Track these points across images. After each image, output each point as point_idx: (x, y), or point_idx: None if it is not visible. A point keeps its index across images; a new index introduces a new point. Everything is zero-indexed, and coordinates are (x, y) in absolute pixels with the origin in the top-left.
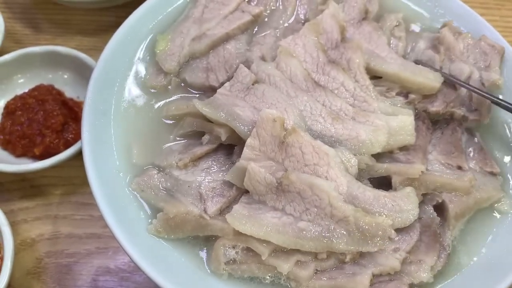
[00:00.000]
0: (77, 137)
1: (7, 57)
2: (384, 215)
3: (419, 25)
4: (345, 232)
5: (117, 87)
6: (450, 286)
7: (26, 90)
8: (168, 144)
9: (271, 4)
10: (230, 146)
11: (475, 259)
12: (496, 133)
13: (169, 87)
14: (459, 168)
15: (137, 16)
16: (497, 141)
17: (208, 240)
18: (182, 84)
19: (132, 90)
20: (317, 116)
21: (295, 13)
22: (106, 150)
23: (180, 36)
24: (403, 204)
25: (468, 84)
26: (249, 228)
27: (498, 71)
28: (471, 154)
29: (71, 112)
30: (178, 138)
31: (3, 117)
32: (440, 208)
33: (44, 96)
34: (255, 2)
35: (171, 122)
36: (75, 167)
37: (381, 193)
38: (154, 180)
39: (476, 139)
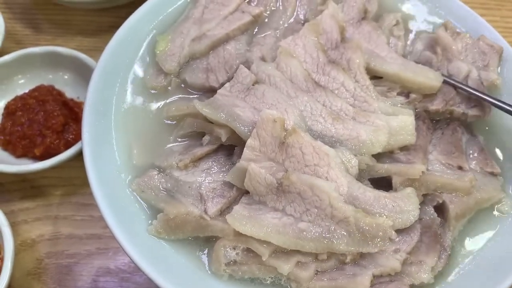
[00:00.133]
0: (78, 137)
1: (7, 57)
2: (384, 216)
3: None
4: (345, 233)
5: (118, 88)
6: (450, 287)
7: (27, 91)
8: (169, 145)
9: (271, 4)
10: (231, 147)
11: (475, 259)
12: (496, 133)
13: (169, 87)
14: (460, 168)
15: (137, 16)
16: (497, 140)
17: (208, 241)
18: (182, 85)
19: (132, 90)
20: (317, 117)
21: (295, 13)
22: (106, 151)
23: (180, 37)
24: (404, 205)
25: (467, 86)
26: (249, 229)
27: (497, 71)
28: (472, 155)
29: (72, 113)
30: (178, 139)
31: (3, 117)
32: (440, 209)
33: (44, 96)
34: (255, 3)
35: (171, 123)
36: (75, 167)
37: (382, 193)
38: (154, 181)
39: (476, 139)
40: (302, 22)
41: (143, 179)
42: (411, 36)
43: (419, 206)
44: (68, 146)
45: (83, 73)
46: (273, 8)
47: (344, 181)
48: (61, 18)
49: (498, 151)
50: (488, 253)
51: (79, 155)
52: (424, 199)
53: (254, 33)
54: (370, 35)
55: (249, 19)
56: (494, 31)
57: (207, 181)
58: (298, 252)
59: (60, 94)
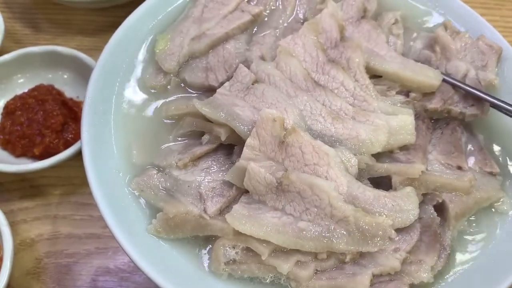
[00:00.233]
0: (77, 137)
1: (7, 57)
2: (384, 215)
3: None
4: (345, 232)
5: (117, 87)
6: (450, 286)
7: (26, 90)
8: (168, 144)
9: (271, 3)
10: (230, 146)
11: (475, 259)
12: (495, 132)
13: (169, 87)
14: (459, 168)
15: (137, 16)
16: (496, 140)
17: (208, 240)
18: (182, 85)
19: (131, 90)
20: (317, 116)
21: (294, 12)
22: (105, 150)
23: (179, 36)
24: (403, 204)
25: (465, 84)
26: (249, 228)
27: (495, 71)
28: (471, 154)
29: (71, 112)
30: (177, 138)
31: (2, 117)
32: (440, 208)
33: (44, 96)
34: (254, 2)
35: (170, 122)
36: (74, 167)
37: (381, 193)
38: (153, 180)
39: (475, 139)
40: (302, 21)
41: (143, 178)
42: (410, 35)
43: (419, 205)
44: (67, 145)
45: (83, 73)
46: (272, 7)
47: (344, 181)
48: (60, 18)
49: (497, 151)
50: (488, 253)
51: (79, 154)
52: (424, 199)
53: (254, 32)
54: (369, 34)
55: (249, 18)
56: (494, 31)
57: (206, 180)
58: (297, 251)
59: (59, 93)
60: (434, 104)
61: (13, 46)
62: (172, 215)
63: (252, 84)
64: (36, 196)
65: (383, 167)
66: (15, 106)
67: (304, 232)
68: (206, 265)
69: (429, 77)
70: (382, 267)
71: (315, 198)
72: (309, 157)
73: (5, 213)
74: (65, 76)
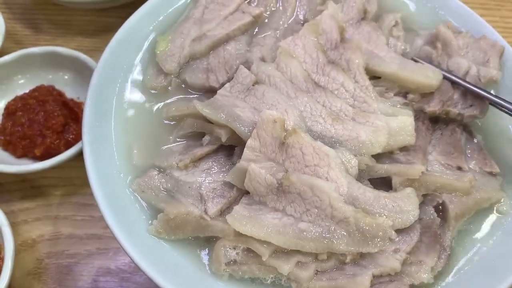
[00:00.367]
0: (78, 137)
1: (7, 57)
2: (384, 216)
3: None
4: (345, 233)
5: (118, 88)
6: (450, 287)
7: (27, 91)
8: (169, 145)
9: (271, 5)
10: (231, 147)
11: (475, 259)
12: (496, 133)
13: (169, 88)
14: (459, 168)
15: (137, 17)
16: (496, 141)
17: (208, 241)
18: (183, 86)
19: (132, 91)
20: (317, 117)
21: (294, 14)
22: (106, 151)
23: (180, 37)
24: (404, 205)
25: (465, 81)
26: (249, 229)
27: (497, 67)
28: (471, 155)
29: (72, 113)
30: (178, 139)
31: (3, 118)
32: (440, 209)
33: (44, 96)
34: (255, 3)
35: (171, 123)
36: (75, 167)
37: (382, 193)
38: (154, 181)
39: (475, 140)
40: (302, 22)
41: (143, 179)
42: (411, 34)
43: (419, 206)
44: (68, 146)
45: (83, 74)
46: (273, 9)
47: (344, 182)
48: (61, 18)
49: (497, 151)
50: (488, 253)
51: (79, 155)
52: (424, 199)
53: (254, 33)
54: (369, 35)
55: (249, 20)
56: (494, 31)
57: (207, 181)
58: (298, 252)
59: (60, 94)
60: (433, 107)
61: (13, 47)
62: (173, 216)
63: (253, 85)
64: (37, 196)
65: (383, 168)
66: (16, 107)
67: (304, 233)
68: (207, 265)
69: (428, 77)
70: (382, 267)
71: (316, 199)
72: (310, 158)
73: (6, 213)
74: (66, 77)
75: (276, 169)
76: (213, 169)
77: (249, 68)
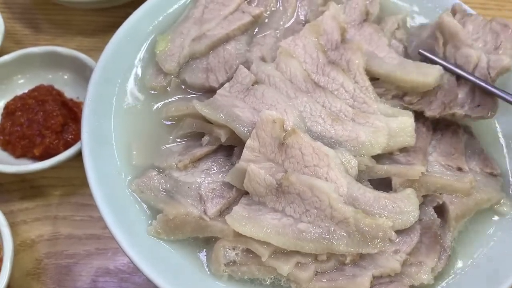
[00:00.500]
0: (77, 137)
1: (7, 57)
2: (384, 217)
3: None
4: (345, 234)
5: (117, 88)
6: (450, 287)
7: (26, 91)
8: (168, 145)
9: (272, 5)
10: (230, 147)
11: (475, 260)
12: (496, 133)
13: (169, 88)
14: (459, 169)
15: (137, 16)
16: (497, 141)
17: (208, 242)
18: (183, 86)
19: (132, 91)
20: (316, 117)
21: (295, 14)
22: (105, 151)
23: (180, 37)
24: (404, 206)
25: (473, 75)
26: (249, 230)
27: (510, 53)
28: (471, 155)
29: (71, 113)
30: (177, 139)
31: (3, 117)
32: (440, 210)
33: (44, 96)
34: (255, 3)
35: (170, 123)
36: (74, 168)
37: (381, 194)
38: (153, 181)
39: (476, 140)
40: (303, 22)
41: (143, 179)
42: (418, 29)
43: (419, 207)
44: (67, 146)
45: (83, 73)
46: (273, 9)
47: (344, 182)
48: (60, 18)
49: (497, 151)
50: (488, 254)
51: (79, 155)
52: (424, 200)
53: (254, 33)
54: (371, 37)
55: (249, 20)
56: None
57: (206, 181)
58: (297, 252)
59: (59, 94)
60: (432, 111)
61: (13, 46)
62: (172, 217)
63: (252, 85)
64: (36, 196)
65: (383, 169)
66: (15, 106)
67: (304, 234)
68: (206, 266)
69: (423, 74)
70: (382, 268)
71: (315, 199)
72: (309, 158)
73: (5, 213)
74: (65, 77)
75: (275, 170)
76: (212, 170)
77: (248, 68)
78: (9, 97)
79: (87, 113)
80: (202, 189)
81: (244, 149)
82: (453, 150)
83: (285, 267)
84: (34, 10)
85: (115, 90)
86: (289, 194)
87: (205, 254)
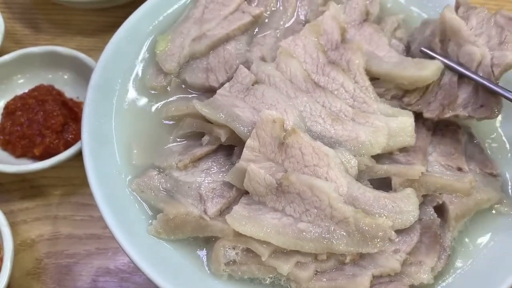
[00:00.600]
0: (77, 137)
1: (7, 57)
2: (384, 216)
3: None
4: (345, 233)
5: (117, 88)
6: (450, 287)
7: (26, 91)
8: (168, 145)
9: (272, 5)
10: (230, 147)
11: (475, 260)
12: (495, 133)
13: (169, 88)
14: (459, 169)
15: (137, 16)
16: (497, 142)
17: (208, 241)
18: (183, 86)
19: (132, 90)
20: (316, 117)
21: (295, 14)
22: (106, 151)
23: (180, 37)
24: (403, 205)
25: (476, 74)
26: (249, 229)
27: None
28: (471, 156)
29: (71, 113)
30: (178, 139)
31: (3, 117)
32: (440, 209)
33: (44, 96)
34: (255, 3)
35: (171, 123)
36: (75, 167)
37: (381, 194)
38: (154, 181)
39: (476, 140)
40: (303, 22)
41: (143, 179)
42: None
43: (419, 207)
44: (67, 146)
45: (83, 73)
46: (273, 9)
47: (344, 182)
48: (60, 18)
49: (497, 151)
50: (488, 254)
51: (79, 155)
52: (424, 200)
53: (254, 33)
54: (371, 37)
55: (249, 19)
56: None
57: (206, 181)
58: (297, 252)
59: (59, 94)
60: (431, 113)
61: (13, 46)
62: (172, 216)
63: (252, 85)
64: (37, 196)
65: (383, 169)
66: (15, 106)
67: (304, 233)
68: (206, 265)
69: (421, 68)
70: (382, 268)
71: (315, 199)
72: (309, 158)
73: (5, 213)
74: (65, 77)
75: (275, 169)
76: (212, 169)
77: (249, 68)
78: (9, 97)
79: (87, 113)
80: (202, 188)
81: (244, 149)
82: (453, 150)
83: (285, 267)
84: (34, 10)
85: (115, 90)
86: (289, 193)
87: (205, 253)
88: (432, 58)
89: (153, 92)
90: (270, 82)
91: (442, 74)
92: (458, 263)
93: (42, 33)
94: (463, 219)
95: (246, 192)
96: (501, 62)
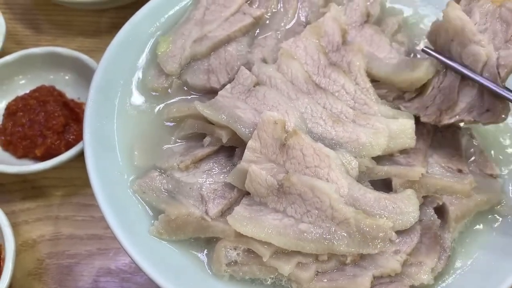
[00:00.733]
0: (78, 138)
1: (8, 58)
2: (384, 217)
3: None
4: (346, 234)
5: (118, 89)
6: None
7: (27, 91)
8: (170, 146)
9: (272, 6)
10: (231, 148)
11: (475, 261)
12: (496, 134)
13: (169, 90)
14: (459, 171)
15: (138, 17)
16: (496, 142)
17: (209, 242)
18: (184, 87)
19: (133, 92)
20: (317, 119)
21: (296, 15)
22: (107, 152)
23: (181, 38)
24: (404, 206)
25: (480, 76)
26: (250, 230)
27: None
28: (472, 157)
29: (72, 113)
30: (179, 140)
31: (4, 118)
32: (440, 211)
33: (45, 97)
34: (256, 5)
35: (172, 124)
36: (76, 168)
37: (382, 195)
38: (155, 182)
39: (476, 142)
40: (304, 24)
41: (144, 180)
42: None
43: (419, 208)
44: (69, 146)
45: (84, 74)
46: (274, 10)
47: (345, 183)
48: (61, 19)
49: (497, 152)
50: (488, 254)
51: (80, 155)
52: (424, 201)
53: (256, 34)
54: (372, 38)
55: (250, 21)
56: None
57: (208, 182)
58: (298, 253)
59: (60, 94)
60: (427, 117)
61: (14, 47)
62: (174, 217)
63: (254, 87)
64: (38, 197)
65: (384, 170)
66: (17, 107)
67: (305, 234)
68: (207, 266)
69: (412, 71)
70: (382, 268)
71: (316, 200)
72: (310, 159)
73: (7, 214)
74: (67, 77)
75: (276, 170)
76: (214, 170)
77: (250, 69)
78: (10, 98)
79: (89, 114)
80: (203, 189)
81: (246, 150)
82: (453, 152)
83: (286, 267)
84: (35, 11)
85: (117, 91)
86: (290, 194)
87: (207, 254)
88: (434, 57)
89: (154, 93)
90: (271, 83)
91: (444, 76)
92: (458, 264)
93: (43, 34)
94: (463, 220)
95: (248, 193)
96: (508, 62)
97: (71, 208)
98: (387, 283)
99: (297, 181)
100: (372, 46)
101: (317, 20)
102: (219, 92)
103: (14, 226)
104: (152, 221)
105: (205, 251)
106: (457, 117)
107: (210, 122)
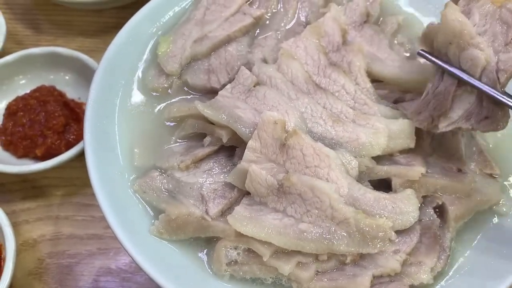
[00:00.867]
0: (79, 138)
1: (8, 58)
2: (384, 217)
3: None
4: (345, 234)
5: (119, 89)
6: (450, 287)
7: (28, 91)
8: (170, 146)
9: (272, 6)
10: (232, 148)
11: (474, 260)
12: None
13: (169, 90)
14: (459, 170)
15: (139, 18)
16: (497, 142)
17: (209, 242)
18: (185, 87)
19: (133, 92)
20: (317, 119)
21: (296, 15)
22: (108, 152)
23: (182, 38)
24: (404, 206)
25: (478, 81)
26: (250, 230)
27: None
28: (471, 156)
29: (73, 113)
30: (179, 140)
31: (4, 118)
32: (440, 210)
33: (45, 97)
34: (256, 5)
35: (172, 124)
36: (76, 168)
37: (382, 195)
38: (156, 182)
39: (476, 141)
40: (304, 24)
41: (145, 180)
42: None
43: (419, 208)
44: (69, 146)
45: (85, 74)
46: (274, 10)
47: (345, 183)
48: (62, 19)
49: (497, 152)
50: (487, 254)
51: (80, 155)
52: (424, 201)
53: (256, 34)
54: (372, 38)
55: (251, 21)
56: None
57: (208, 182)
58: (298, 252)
59: (61, 94)
60: (419, 123)
61: (14, 47)
62: (174, 217)
63: (254, 87)
64: (38, 197)
65: (383, 170)
66: (17, 107)
67: (305, 234)
68: (207, 266)
69: (422, 73)
70: (382, 268)
71: (316, 200)
72: (310, 159)
73: (7, 213)
74: (67, 77)
75: (276, 170)
76: (214, 170)
77: (250, 69)
78: (10, 98)
79: (89, 114)
80: (204, 189)
81: (246, 150)
82: (453, 151)
83: (286, 267)
84: (35, 11)
85: (117, 90)
86: (290, 194)
87: (207, 254)
88: (430, 61)
89: (154, 93)
90: (271, 83)
91: (440, 80)
92: (458, 263)
93: (44, 34)
94: (463, 220)
95: (248, 193)
96: (508, 67)
97: (71, 207)
98: (386, 283)
99: (297, 181)
100: (372, 46)
101: (317, 20)
102: (219, 92)
103: (15, 225)
104: (153, 221)
105: (206, 251)
106: (454, 124)
107: (211, 122)
